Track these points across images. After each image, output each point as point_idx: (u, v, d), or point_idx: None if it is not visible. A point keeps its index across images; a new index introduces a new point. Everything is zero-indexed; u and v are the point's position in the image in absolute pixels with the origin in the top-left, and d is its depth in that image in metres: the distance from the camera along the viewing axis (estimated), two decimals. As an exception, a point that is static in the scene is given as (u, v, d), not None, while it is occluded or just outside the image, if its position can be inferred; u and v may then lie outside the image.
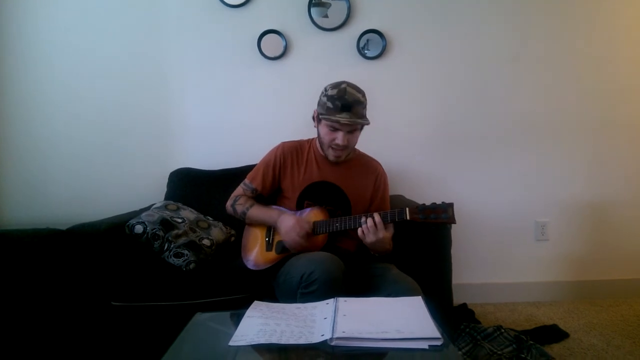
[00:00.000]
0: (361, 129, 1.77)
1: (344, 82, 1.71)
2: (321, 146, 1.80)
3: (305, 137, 1.94)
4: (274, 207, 1.85)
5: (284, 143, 1.90)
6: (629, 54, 2.68)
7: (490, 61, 2.65)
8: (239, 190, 1.91)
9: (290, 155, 1.85)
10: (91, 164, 2.61)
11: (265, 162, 1.87)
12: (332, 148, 1.74)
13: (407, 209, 1.59)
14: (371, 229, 1.58)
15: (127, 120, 2.61)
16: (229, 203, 1.90)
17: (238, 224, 2.00)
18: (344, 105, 1.65)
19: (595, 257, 2.76)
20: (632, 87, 2.69)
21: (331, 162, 1.82)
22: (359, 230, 1.61)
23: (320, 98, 1.73)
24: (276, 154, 1.86)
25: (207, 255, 2.03)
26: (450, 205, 1.57)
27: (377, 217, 1.60)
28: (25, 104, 2.57)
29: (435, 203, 1.59)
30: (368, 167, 1.91)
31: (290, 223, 1.68)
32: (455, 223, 1.59)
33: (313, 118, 1.81)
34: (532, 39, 2.65)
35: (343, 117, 1.64)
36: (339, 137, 1.69)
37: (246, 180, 1.90)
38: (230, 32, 2.59)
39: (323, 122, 1.71)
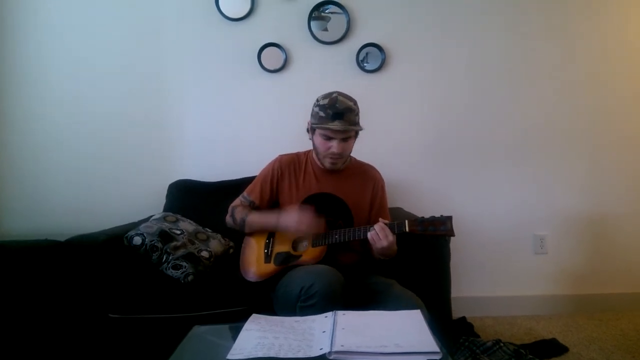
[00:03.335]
0: (355, 136, 1.79)
1: (335, 91, 1.74)
2: (317, 156, 1.82)
3: (304, 149, 1.95)
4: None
5: (281, 156, 1.92)
6: (627, 69, 2.70)
7: (489, 75, 2.68)
8: (237, 201, 1.92)
9: (287, 168, 1.86)
10: (90, 175, 2.61)
11: (263, 175, 1.88)
12: (328, 157, 1.75)
13: (406, 221, 1.60)
14: (381, 234, 1.58)
15: (127, 132, 2.62)
16: (227, 215, 1.90)
17: (237, 236, 2.00)
18: (335, 114, 1.67)
19: (594, 270, 2.76)
20: (630, 101, 2.71)
21: (329, 172, 1.83)
22: (369, 236, 1.60)
23: (312, 109, 1.75)
24: (273, 167, 1.87)
25: (206, 267, 2.03)
26: (449, 218, 1.58)
27: (381, 223, 1.60)
28: (24, 115, 2.58)
29: (434, 216, 1.60)
30: (365, 174, 1.91)
31: (295, 215, 1.68)
32: (454, 236, 1.59)
33: (307, 130, 1.82)
34: (531, 53, 2.67)
35: (335, 125, 1.66)
36: (334, 146, 1.71)
37: (244, 193, 1.91)
38: (231, 45, 2.61)
39: (317, 131, 1.73)
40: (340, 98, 1.70)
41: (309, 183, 1.84)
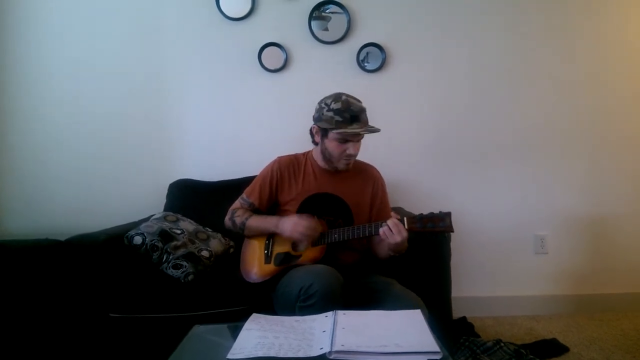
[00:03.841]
0: None
1: (341, 93, 1.74)
2: (328, 159, 1.79)
3: (305, 150, 1.94)
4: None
5: (280, 157, 1.91)
6: (627, 69, 2.70)
7: (489, 75, 2.68)
8: (237, 204, 1.92)
9: (287, 169, 1.86)
10: (91, 174, 2.62)
11: (262, 177, 1.88)
12: (344, 159, 1.76)
13: (405, 218, 1.60)
14: (394, 229, 1.56)
15: (127, 131, 2.62)
16: (227, 217, 1.90)
17: (237, 236, 2.00)
18: (353, 117, 1.68)
19: (594, 270, 2.75)
20: (630, 101, 2.71)
21: (328, 173, 1.83)
22: (382, 232, 1.58)
23: (322, 113, 1.73)
24: (272, 169, 1.87)
25: (206, 267, 2.03)
26: (448, 214, 1.57)
27: (394, 219, 1.59)
28: (24, 115, 2.58)
29: (433, 212, 1.60)
30: (365, 173, 1.92)
31: (292, 220, 1.69)
32: (453, 232, 1.59)
33: (311, 133, 1.82)
34: (531, 53, 2.67)
35: (357, 129, 1.67)
36: (351, 148, 1.72)
37: (244, 195, 1.91)
38: (231, 44, 2.61)
39: (332, 135, 1.72)
40: (351, 100, 1.71)
41: (309, 184, 1.84)
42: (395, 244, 1.58)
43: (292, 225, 1.68)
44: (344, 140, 1.71)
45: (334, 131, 1.70)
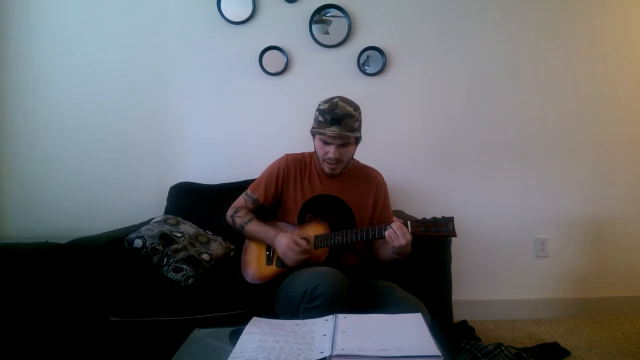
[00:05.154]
0: (356, 143, 1.78)
1: (337, 96, 1.74)
2: (317, 160, 1.82)
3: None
4: (274, 222, 1.85)
5: (287, 155, 1.92)
6: (628, 71, 2.71)
7: (491, 78, 2.68)
8: (240, 200, 1.91)
9: (293, 167, 1.87)
10: (91, 177, 2.61)
11: (269, 173, 1.88)
12: (326, 162, 1.76)
13: (409, 222, 1.61)
14: (399, 232, 1.57)
15: (128, 134, 2.62)
16: (229, 213, 1.90)
17: (238, 239, 2.00)
18: (334, 119, 1.67)
19: (595, 273, 2.75)
20: (632, 102, 2.71)
21: (332, 175, 1.83)
22: (387, 234, 1.59)
23: (314, 113, 1.75)
24: (280, 165, 1.87)
25: (206, 270, 2.03)
26: (451, 219, 1.59)
27: (398, 222, 1.60)
28: (26, 119, 2.58)
29: (436, 217, 1.61)
30: (368, 177, 1.92)
31: (285, 242, 1.67)
32: (455, 236, 1.61)
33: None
34: (532, 57, 2.67)
35: (331, 131, 1.67)
36: (331, 151, 1.71)
37: (248, 191, 1.90)
38: (232, 48, 2.61)
39: (316, 136, 1.75)
40: (341, 104, 1.70)
41: (313, 184, 1.84)
42: (399, 247, 1.58)
43: (285, 246, 1.67)
44: (326, 142, 1.72)
45: (313, 130, 1.74)
